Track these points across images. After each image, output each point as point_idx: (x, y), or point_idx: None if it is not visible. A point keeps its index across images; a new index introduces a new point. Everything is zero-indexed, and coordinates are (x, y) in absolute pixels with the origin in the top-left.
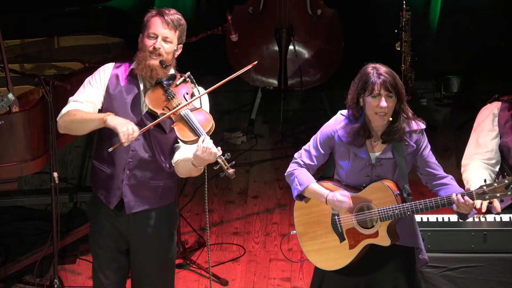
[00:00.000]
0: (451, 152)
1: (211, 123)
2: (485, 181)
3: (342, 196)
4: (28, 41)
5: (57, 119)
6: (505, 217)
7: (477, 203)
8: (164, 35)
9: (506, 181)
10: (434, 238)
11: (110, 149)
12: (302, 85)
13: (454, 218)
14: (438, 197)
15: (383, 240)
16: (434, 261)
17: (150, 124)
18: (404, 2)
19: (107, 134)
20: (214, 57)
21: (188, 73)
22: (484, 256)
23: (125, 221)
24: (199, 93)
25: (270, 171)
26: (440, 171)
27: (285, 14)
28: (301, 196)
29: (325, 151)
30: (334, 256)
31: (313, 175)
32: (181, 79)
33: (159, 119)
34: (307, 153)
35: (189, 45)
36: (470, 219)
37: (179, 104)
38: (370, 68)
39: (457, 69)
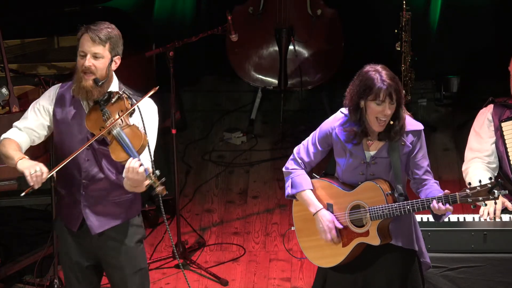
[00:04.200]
0: (451, 152)
1: (141, 140)
2: (469, 184)
3: (332, 225)
4: (28, 41)
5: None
6: (505, 217)
7: (490, 209)
8: (93, 52)
9: (489, 185)
10: (434, 238)
11: (22, 194)
12: (302, 85)
13: (454, 218)
14: (424, 199)
15: (373, 239)
16: (434, 261)
17: (77, 151)
18: (404, 2)
19: (57, 150)
20: (214, 57)
21: (123, 89)
22: (484, 256)
23: (89, 240)
24: (137, 108)
25: (270, 171)
26: (428, 177)
27: (285, 14)
28: (292, 196)
29: (322, 148)
30: (328, 253)
31: (312, 171)
32: (116, 97)
33: (87, 142)
34: (305, 149)
35: (189, 45)
36: (470, 219)
37: (113, 124)
38: (373, 71)
39: (457, 69)
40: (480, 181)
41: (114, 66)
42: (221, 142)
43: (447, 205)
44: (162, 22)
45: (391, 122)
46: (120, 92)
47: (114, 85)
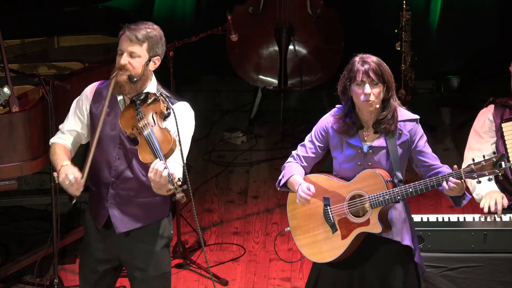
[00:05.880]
0: (451, 152)
1: (170, 144)
2: (473, 160)
3: (304, 192)
4: (28, 41)
5: (49, 143)
6: (505, 217)
7: (492, 203)
8: (130, 51)
9: (494, 159)
10: (434, 238)
11: (73, 201)
12: (302, 85)
13: (454, 218)
14: (427, 179)
15: (375, 227)
16: (434, 261)
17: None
18: (404, 2)
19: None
20: (214, 57)
21: (161, 91)
22: (484, 256)
23: (114, 239)
24: (173, 111)
25: (270, 171)
26: (436, 162)
27: (285, 14)
28: (283, 185)
29: (319, 143)
30: (327, 247)
31: (311, 169)
32: (152, 98)
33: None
34: (302, 146)
35: (189, 45)
36: (470, 219)
37: (145, 124)
38: (358, 57)
39: (457, 69)
40: (484, 156)
41: (152, 67)
42: (221, 142)
43: (454, 180)
44: (162, 22)
45: (377, 106)
46: (157, 94)
47: (152, 86)
